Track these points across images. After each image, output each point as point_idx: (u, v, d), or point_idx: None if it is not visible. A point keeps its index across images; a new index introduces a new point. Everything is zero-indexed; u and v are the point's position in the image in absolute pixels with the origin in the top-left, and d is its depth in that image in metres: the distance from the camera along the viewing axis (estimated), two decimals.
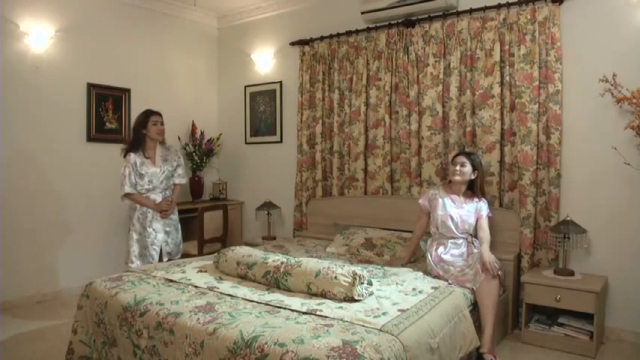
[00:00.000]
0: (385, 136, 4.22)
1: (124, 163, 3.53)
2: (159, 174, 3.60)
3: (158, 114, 3.65)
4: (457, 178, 3.21)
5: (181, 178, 3.79)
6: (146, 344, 2.36)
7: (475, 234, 3.24)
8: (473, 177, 3.24)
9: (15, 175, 3.97)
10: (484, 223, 3.22)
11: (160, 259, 3.64)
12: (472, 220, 3.21)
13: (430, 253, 3.22)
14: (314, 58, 4.72)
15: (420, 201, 3.38)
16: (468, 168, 3.20)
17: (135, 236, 3.59)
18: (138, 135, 3.60)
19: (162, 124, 3.65)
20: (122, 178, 3.49)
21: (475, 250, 3.15)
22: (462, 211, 3.22)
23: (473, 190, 3.29)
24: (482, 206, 3.24)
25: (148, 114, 3.61)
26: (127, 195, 3.53)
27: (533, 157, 3.50)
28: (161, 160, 3.64)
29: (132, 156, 3.52)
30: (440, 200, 3.25)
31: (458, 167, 3.21)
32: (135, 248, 3.59)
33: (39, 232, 4.11)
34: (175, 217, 3.80)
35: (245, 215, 5.48)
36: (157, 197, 3.61)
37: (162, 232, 3.64)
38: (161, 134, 3.63)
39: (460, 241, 3.21)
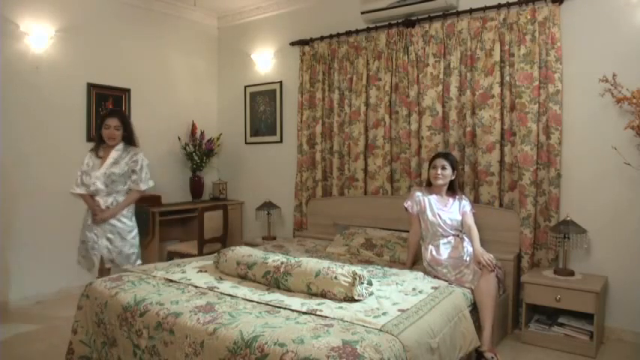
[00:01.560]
0: (385, 136, 4.22)
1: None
2: (102, 177, 3.38)
3: (114, 117, 3.44)
4: (440, 182, 3.29)
5: (136, 183, 3.48)
6: (146, 344, 2.36)
7: (462, 229, 3.28)
8: (452, 177, 3.33)
9: (15, 174, 3.97)
10: (469, 219, 3.26)
11: (104, 267, 3.45)
12: (459, 217, 3.28)
13: (425, 257, 3.24)
14: (314, 58, 4.72)
15: (408, 206, 3.39)
16: (449, 170, 3.29)
17: (81, 237, 3.49)
18: (97, 134, 3.53)
19: (116, 128, 3.41)
20: (76, 177, 3.43)
21: (465, 244, 3.17)
22: (447, 209, 3.29)
23: (452, 189, 3.37)
24: (465, 203, 3.32)
25: (103, 116, 3.49)
26: (75, 195, 3.43)
27: (533, 157, 3.50)
28: (111, 162, 3.41)
29: (87, 156, 3.46)
30: (427, 201, 3.31)
31: (439, 171, 3.28)
32: (80, 250, 3.49)
33: (39, 231, 4.11)
34: (121, 224, 3.45)
35: (245, 215, 5.48)
36: (102, 201, 3.40)
37: (103, 239, 3.40)
38: (111, 139, 3.42)
39: (450, 238, 3.25)
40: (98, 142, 3.50)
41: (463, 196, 3.39)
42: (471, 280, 2.96)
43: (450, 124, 3.89)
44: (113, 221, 3.42)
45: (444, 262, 3.11)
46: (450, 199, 3.33)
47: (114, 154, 3.44)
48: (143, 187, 3.52)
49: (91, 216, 3.40)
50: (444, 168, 3.27)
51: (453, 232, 3.26)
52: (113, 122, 3.42)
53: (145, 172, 3.52)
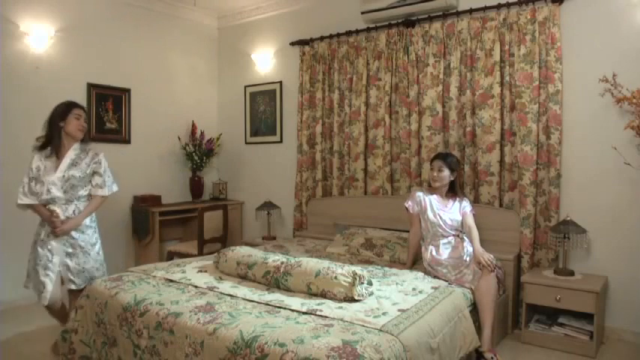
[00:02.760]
0: (385, 136, 4.22)
1: (28, 166, 2.89)
2: (59, 182, 2.86)
3: (83, 108, 3.01)
4: (437, 184, 3.30)
5: (99, 188, 2.99)
6: (146, 344, 2.36)
7: (463, 229, 3.29)
8: (452, 179, 3.32)
9: (15, 174, 3.96)
10: (469, 220, 3.26)
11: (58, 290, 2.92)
12: (459, 217, 3.27)
13: (425, 257, 3.24)
14: (314, 58, 4.72)
15: (409, 206, 3.39)
16: (446, 172, 3.28)
17: (31, 257, 2.94)
18: (52, 129, 2.89)
19: (85, 121, 2.98)
20: (20, 185, 2.88)
21: (466, 244, 3.17)
22: (448, 210, 3.29)
23: (453, 190, 3.37)
24: (465, 204, 3.32)
25: (70, 104, 2.94)
26: (23, 206, 2.89)
27: (533, 157, 3.50)
28: (69, 163, 2.89)
29: (35, 158, 2.88)
30: (427, 201, 3.31)
31: (435, 173, 3.29)
32: (30, 268, 2.94)
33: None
34: (83, 236, 2.95)
35: (245, 215, 5.48)
36: (59, 211, 2.87)
37: (60, 254, 2.88)
38: (83, 131, 2.95)
39: (451, 238, 3.25)
40: (51, 139, 2.89)
41: (464, 198, 3.40)
42: (470, 280, 2.96)
43: (450, 124, 3.89)
44: (74, 233, 2.91)
45: (444, 262, 3.12)
46: (451, 200, 3.33)
47: (71, 154, 2.92)
48: (107, 192, 3.03)
49: (45, 229, 2.87)
50: (440, 170, 3.28)
51: (453, 233, 3.26)
52: (84, 113, 2.96)
53: (108, 175, 3.05)
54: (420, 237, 3.40)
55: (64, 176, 2.87)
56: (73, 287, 2.91)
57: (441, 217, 3.25)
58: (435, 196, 3.33)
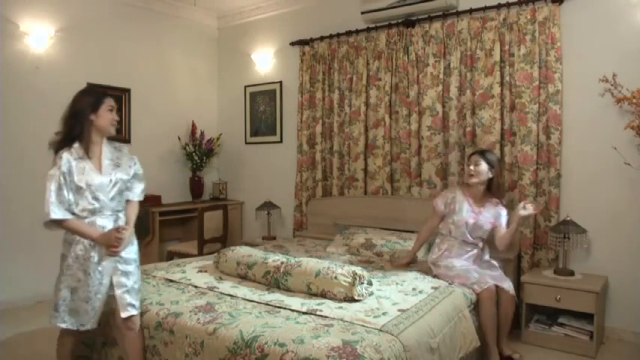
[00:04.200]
0: (385, 136, 4.22)
1: (51, 170, 2.25)
2: (107, 186, 2.29)
3: (112, 98, 2.43)
4: (473, 180, 3.02)
5: (137, 192, 2.47)
6: (146, 344, 2.36)
7: (485, 239, 3.12)
8: (490, 175, 3.03)
9: (15, 174, 3.97)
10: (501, 232, 3.01)
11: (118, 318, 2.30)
12: (487, 227, 3.04)
13: (432, 253, 3.14)
14: (314, 58, 4.72)
15: (436, 203, 3.17)
16: (483, 167, 3.00)
17: (69, 283, 2.27)
18: (80, 123, 2.28)
19: (117, 113, 2.44)
20: (47, 194, 2.18)
21: (485, 257, 3.09)
22: (479, 217, 3.03)
23: (491, 190, 3.08)
24: (502, 213, 3.04)
25: (101, 94, 2.38)
26: (58, 222, 2.18)
27: (533, 157, 3.50)
28: (111, 164, 2.35)
29: (65, 158, 2.24)
30: (457, 204, 3.07)
31: (472, 167, 3.02)
32: (66, 300, 2.29)
33: (38, 231, 4.06)
34: (134, 246, 2.41)
35: (245, 215, 5.48)
36: (107, 224, 2.29)
37: (116, 275, 2.29)
38: (114, 126, 2.39)
39: (471, 247, 3.08)
40: (81, 133, 2.29)
41: (502, 206, 3.07)
42: (477, 282, 2.86)
43: (450, 124, 3.89)
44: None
45: (454, 267, 2.99)
46: (487, 204, 3.05)
47: (107, 153, 2.37)
48: (142, 197, 2.53)
49: (98, 250, 2.25)
50: (477, 164, 3.00)
51: (474, 241, 3.09)
52: (114, 104, 2.41)
53: (142, 177, 2.55)
54: (431, 235, 3.26)
55: (111, 180, 2.31)
56: (134, 312, 2.30)
57: (467, 224, 3.03)
58: (469, 199, 3.07)
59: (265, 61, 5.21)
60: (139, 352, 2.34)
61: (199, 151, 5.20)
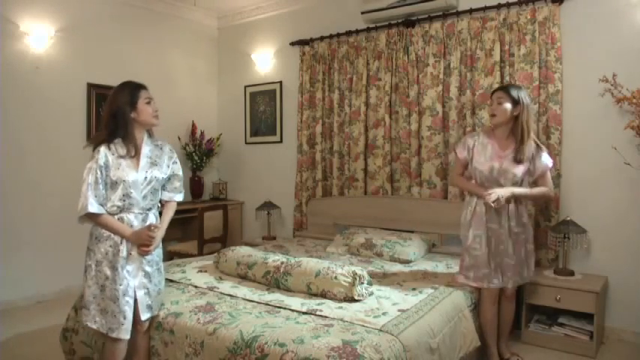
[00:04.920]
0: (385, 136, 4.22)
1: (89, 164, 2.21)
2: (141, 184, 2.25)
3: (147, 88, 2.36)
4: (495, 119, 2.67)
5: (177, 192, 2.44)
6: None
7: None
8: (515, 114, 2.66)
9: (15, 174, 3.97)
10: (545, 180, 2.70)
11: (135, 317, 2.24)
12: (521, 171, 2.65)
13: (467, 211, 2.77)
14: (314, 58, 4.72)
15: (458, 151, 2.86)
16: (507, 105, 2.64)
17: (97, 280, 2.20)
18: (122, 123, 2.23)
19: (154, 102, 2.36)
20: (84, 187, 2.16)
21: (524, 219, 2.75)
22: (506, 157, 2.68)
23: (516, 133, 2.69)
24: (542, 156, 2.67)
25: (135, 87, 2.30)
26: (92, 216, 2.16)
27: None
28: (148, 162, 2.29)
29: (102, 152, 2.19)
30: (480, 146, 2.74)
31: (494, 105, 2.69)
32: (96, 297, 2.21)
33: (39, 231, 4.11)
34: (160, 249, 2.39)
35: (245, 215, 5.48)
36: (135, 221, 2.25)
37: (139, 276, 2.25)
38: (156, 118, 2.33)
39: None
40: (124, 129, 2.22)
41: (539, 146, 2.71)
42: (520, 275, 2.71)
43: (450, 124, 3.89)
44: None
45: (494, 229, 2.66)
46: (513, 145, 2.68)
47: (146, 151, 2.30)
48: (182, 196, 2.48)
49: (127, 246, 2.20)
50: (499, 102, 2.66)
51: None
52: (150, 94, 2.32)
53: (182, 176, 2.47)
54: (468, 177, 2.86)
55: (146, 178, 2.26)
56: (148, 315, 2.27)
57: (493, 169, 2.66)
58: (492, 141, 2.72)
59: (265, 61, 5.21)
60: (144, 352, 2.36)
61: (199, 151, 5.20)
